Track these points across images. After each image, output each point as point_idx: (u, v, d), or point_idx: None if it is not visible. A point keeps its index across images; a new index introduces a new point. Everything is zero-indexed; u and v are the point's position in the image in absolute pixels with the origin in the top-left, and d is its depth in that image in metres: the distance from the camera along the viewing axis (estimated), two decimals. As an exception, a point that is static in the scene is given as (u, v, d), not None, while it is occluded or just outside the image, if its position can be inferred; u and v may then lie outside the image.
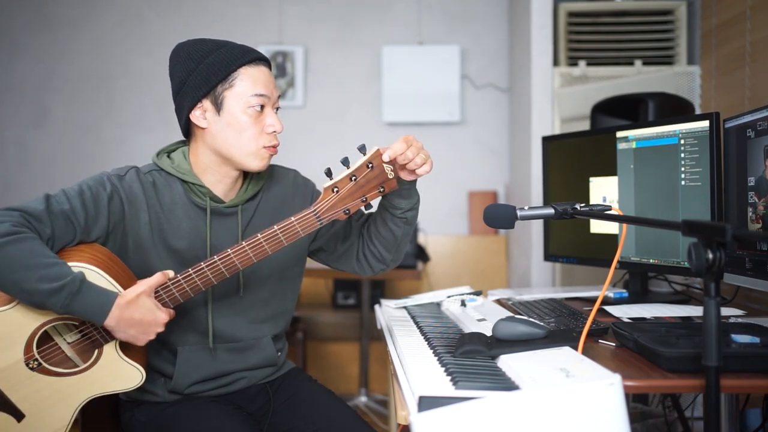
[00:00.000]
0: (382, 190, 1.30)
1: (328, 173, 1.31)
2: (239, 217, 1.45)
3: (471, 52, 3.88)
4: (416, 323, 1.55)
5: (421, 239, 3.53)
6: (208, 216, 1.41)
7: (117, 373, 1.31)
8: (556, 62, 3.05)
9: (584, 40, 3.10)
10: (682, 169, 1.64)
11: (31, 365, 1.28)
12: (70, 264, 1.24)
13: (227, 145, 1.37)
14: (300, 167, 1.61)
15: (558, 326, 1.41)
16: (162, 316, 1.28)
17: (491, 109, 3.88)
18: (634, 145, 1.77)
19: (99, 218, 1.33)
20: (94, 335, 1.30)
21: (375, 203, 1.38)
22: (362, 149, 1.30)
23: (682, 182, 1.64)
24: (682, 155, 1.64)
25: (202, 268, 1.31)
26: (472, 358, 1.19)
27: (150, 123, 3.94)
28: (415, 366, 1.15)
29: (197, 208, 1.41)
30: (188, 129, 1.43)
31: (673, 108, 2.20)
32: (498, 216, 1.41)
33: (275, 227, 1.31)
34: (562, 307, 1.64)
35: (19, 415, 1.28)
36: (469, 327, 1.46)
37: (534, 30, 3.00)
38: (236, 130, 1.36)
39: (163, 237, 1.39)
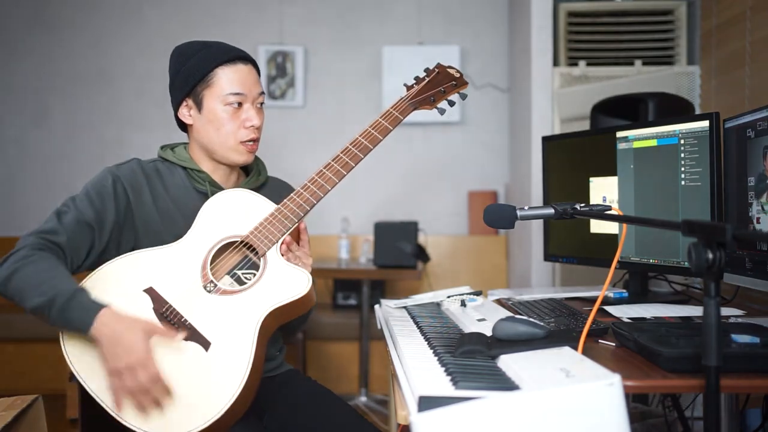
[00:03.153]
0: (455, 84, 1.52)
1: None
2: None
3: (471, 52, 3.88)
4: (416, 323, 1.55)
5: (421, 239, 3.52)
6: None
7: (285, 280, 1.31)
8: (556, 62, 3.05)
9: (584, 40, 3.10)
10: (682, 169, 1.64)
11: (208, 288, 1.30)
12: None
13: (209, 139, 1.46)
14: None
15: (558, 326, 1.41)
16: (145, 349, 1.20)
17: (491, 109, 3.88)
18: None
19: (107, 206, 1.38)
20: (257, 246, 1.33)
21: (455, 98, 1.56)
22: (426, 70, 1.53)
23: (682, 182, 1.64)
24: (682, 155, 1.64)
25: (337, 160, 1.41)
26: (472, 358, 1.19)
27: (150, 123, 3.94)
28: (415, 366, 1.15)
29: (198, 193, 1.48)
30: (182, 124, 1.52)
31: (673, 108, 2.20)
32: (498, 216, 1.41)
33: (378, 118, 1.43)
34: (562, 307, 1.64)
35: (206, 344, 1.25)
36: (469, 327, 1.46)
37: (534, 30, 3.00)
38: (215, 126, 1.44)
39: (171, 218, 1.44)
